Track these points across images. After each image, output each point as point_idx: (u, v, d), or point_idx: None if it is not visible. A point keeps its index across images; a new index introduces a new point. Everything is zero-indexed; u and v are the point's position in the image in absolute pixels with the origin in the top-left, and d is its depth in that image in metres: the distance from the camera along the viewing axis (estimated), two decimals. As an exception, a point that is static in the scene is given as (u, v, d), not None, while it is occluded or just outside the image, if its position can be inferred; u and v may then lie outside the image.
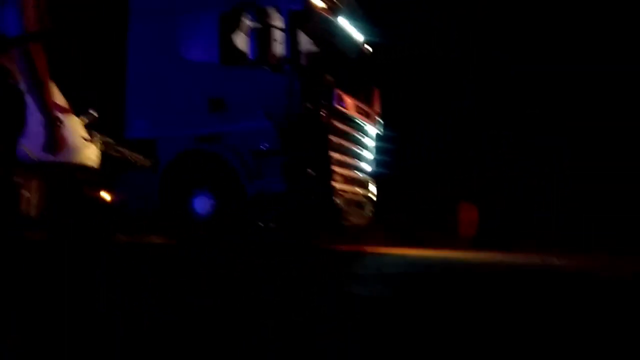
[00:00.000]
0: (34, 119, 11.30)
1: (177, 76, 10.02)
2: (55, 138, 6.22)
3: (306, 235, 10.01)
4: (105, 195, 10.38)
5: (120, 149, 10.93)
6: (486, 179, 15.70)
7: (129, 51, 10.36)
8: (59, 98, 11.93)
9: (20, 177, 10.81)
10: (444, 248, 12.41)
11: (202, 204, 9.62)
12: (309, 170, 9.12)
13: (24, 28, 8.42)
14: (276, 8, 9.34)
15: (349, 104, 9.89)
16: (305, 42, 9.53)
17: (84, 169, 11.28)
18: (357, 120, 10.35)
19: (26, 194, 10.91)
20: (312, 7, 9.40)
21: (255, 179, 9.33)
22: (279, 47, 9.32)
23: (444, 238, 15.50)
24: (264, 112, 9.21)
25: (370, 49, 11.36)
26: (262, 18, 9.26)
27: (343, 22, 10.34)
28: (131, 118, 10.27)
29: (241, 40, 9.59)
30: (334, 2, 9.89)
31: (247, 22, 9.47)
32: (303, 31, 9.40)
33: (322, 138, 9.28)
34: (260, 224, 9.42)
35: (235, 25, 9.67)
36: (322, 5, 9.51)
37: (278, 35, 9.30)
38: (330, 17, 9.89)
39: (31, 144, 11.16)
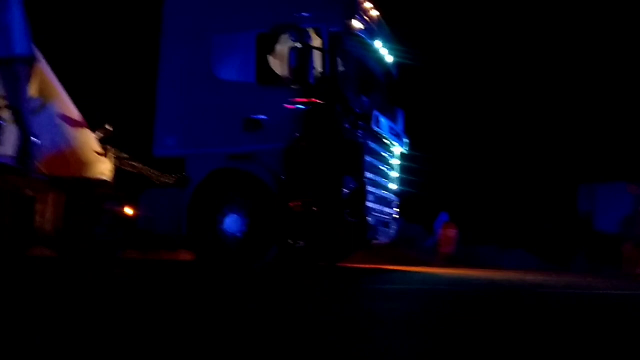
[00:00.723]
0: (47, 135, 11.26)
1: (210, 95, 9.97)
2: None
3: (336, 254, 9.97)
4: (129, 211, 10.27)
5: (136, 164, 10.89)
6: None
7: (160, 69, 10.29)
8: (72, 112, 11.92)
9: (34, 191, 10.69)
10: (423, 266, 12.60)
11: (233, 223, 9.54)
12: (344, 190, 9.13)
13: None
14: (316, 30, 9.37)
15: (383, 125, 9.95)
16: (343, 64, 9.54)
17: (101, 183, 11.23)
18: (388, 141, 10.41)
19: (40, 208, 10.78)
20: (351, 29, 9.46)
21: (288, 197, 9.27)
22: (318, 68, 9.34)
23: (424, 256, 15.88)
24: (301, 132, 9.17)
25: (397, 70, 11.47)
26: (301, 39, 9.26)
27: (377, 43, 10.42)
28: (161, 135, 10.18)
29: (279, 61, 9.60)
30: (370, 24, 9.97)
31: (286, 43, 9.47)
32: (342, 53, 9.42)
33: (359, 159, 9.31)
34: (290, 242, 9.40)
35: (274, 46, 9.68)
36: (360, 26, 9.57)
37: (317, 57, 9.32)
38: (367, 39, 9.95)
39: (44, 159, 11.11)
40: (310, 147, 9.15)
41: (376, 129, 9.64)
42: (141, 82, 10.74)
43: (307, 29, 9.34)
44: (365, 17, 9.91)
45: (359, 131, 9.37)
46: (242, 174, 9.65)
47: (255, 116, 9.57)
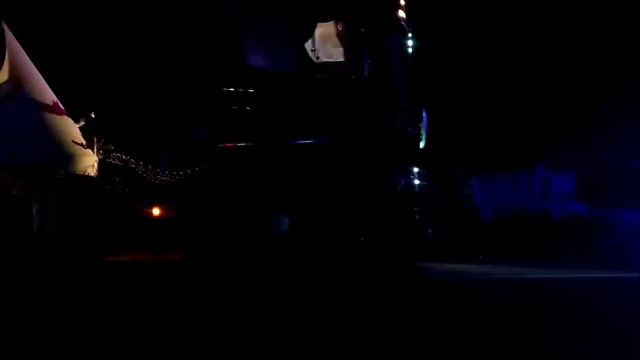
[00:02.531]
0: (21, 124, 9.95)
1: (245, 85, 9.33)
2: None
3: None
4: (155, 211, 9.38)
5: (124, 157, 9.98)
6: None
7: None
8: (48, 97, 10.56)
9: (31, 189, 9.47)
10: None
11: (277, 219, 9.04)
12: (399, 185, 8.99)
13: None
14: (363, 22, 9.05)
15: (425, 120, 9.88)
16: (393, 56, 9.31)
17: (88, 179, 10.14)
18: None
19: (37, 207, 9.57)
20: (399, 19, 9.25)
21: (340, 193, 8.95)
22: (365, 61, 9.05)
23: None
24: (358, 126, 8.85)
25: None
26: (355, 29, 8.91)
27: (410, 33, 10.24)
28: (190, 128, 9.40)
29: (323, 52, 9.17)
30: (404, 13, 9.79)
31: (331, 31, 9.07)
32: (392, 43, 9.19)
33: (416, 155, 9.19)
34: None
35: (317, 36, 9.24)
36: (403, 16, 9.37)
37: (364, 50, 9.02)
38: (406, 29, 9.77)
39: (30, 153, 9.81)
40: (371, 142, 8.83)
41: (422, 124, 9.52)
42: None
43: (353, 21, 8.94)
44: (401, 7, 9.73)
45: (409, 126, 9.19)
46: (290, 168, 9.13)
47: (291, 108, 9.06)
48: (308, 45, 9.14)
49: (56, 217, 9.40)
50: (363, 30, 8.87)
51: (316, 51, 9.16)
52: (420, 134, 9.60)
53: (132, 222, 9.35)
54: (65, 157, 10.26)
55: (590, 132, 18.98)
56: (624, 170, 19.31)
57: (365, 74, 8.85)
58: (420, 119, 9.26)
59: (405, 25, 9.30)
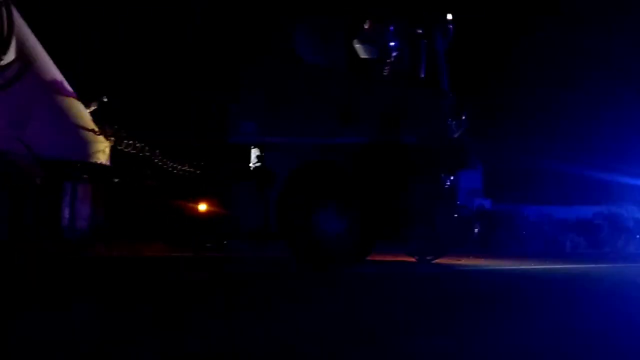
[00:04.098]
0: (41, 111, 9.34)
1: (297, 80, 9.23)
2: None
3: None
4: (202, 207, 9.05)
5: (137, 145, 9.64)
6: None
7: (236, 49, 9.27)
8: (57, 79, 9.94)
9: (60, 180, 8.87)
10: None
11: (331, 220, 9.01)
12: (449, 187, 9.27)
13: None
14: (416, 22, 9.26)
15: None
16: (444, 56, 9.55)
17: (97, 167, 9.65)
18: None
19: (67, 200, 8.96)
20: (447, 25, 9.54)
21: (390, 194, 9.08)
22: (421, 62, 9.27)
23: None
24: (408, 127, 9.03)
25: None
26: (409, 31, 9.12)
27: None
28: (238, 121, 9.13)
29: (380, 51, 9.27)
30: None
31: (384, 33, 9.21)
32: (441, 49, 9.47)
33: (465, 157, 9.48)
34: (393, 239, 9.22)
35: (369, 34, 9.32)
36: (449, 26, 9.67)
37: (421, 52, 9.25)
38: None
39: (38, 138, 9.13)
40: (422, 143, 9.01)
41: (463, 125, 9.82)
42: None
43: (408, 22, 9.13)
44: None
45: (456, 127, 9.49)
46: (339, 168, 9.11)
47: (350, 106, 9.09)
48: (363, 45, 9.18)
49: (90, 212, 8.80)
50: (420, 31, 9.04)
51: (370, 51, 9.22)
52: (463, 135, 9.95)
53: (177, 218, 8.95)
54: (75, 143, 9.65)
55: (497, 133, 20.43)
56: (528, 168, 20.93)
57: (422, 75, 9.04)
58: (462, 120, 9.63)
59: (451, 27, 9.60)
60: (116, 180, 9.04)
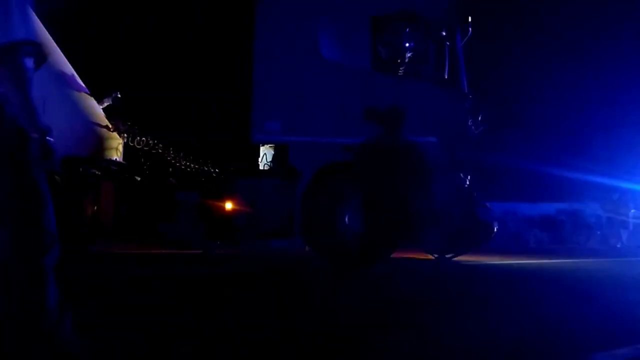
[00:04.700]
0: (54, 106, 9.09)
1: (321, 79, 9.24)
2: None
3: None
4: (228, 205, 8.99)
5: (150, 142, 9.56)
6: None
7: (256, 47, 9.18)
8: (68, 72, 9.71)
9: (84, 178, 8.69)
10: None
11: (355, 219, 9.05)
12: (468, 187, 9.45)
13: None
14: (441, 22, 9.39)
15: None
16: (464, 62, 9.71)
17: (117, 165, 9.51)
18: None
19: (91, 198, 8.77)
20: (467, 26, 9.70)
21: (412, 194, 9.18)
22: (443, 63, 9.41)
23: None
24: (433, 126, 9.16)
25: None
26: (424, 32, 9.24)
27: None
28: (262, 119, 9.09)
29: (403, 51, 9.37)
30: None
31: (408, 31, 9.31)
32: (462, 51, 9.63)
33: (478, 156, 9.66)
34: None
35: (396, 33, 9.40)
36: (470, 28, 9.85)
37: (444, 53, 9.40)
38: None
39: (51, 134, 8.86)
40: (443, 143, 9.14)
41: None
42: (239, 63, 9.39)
43: (433, 20, 9.22)
44: None
45: (473, 127, 9.67)
46: (361, 167, 9.15)
47: (378, 106, 9.14)
48: (386, 45, 9.25)
49: (113, 210, 8.63)
50: (444, 33, 9.17)
51: (393, 51, 9.30)
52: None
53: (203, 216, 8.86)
54: (88, 139, 9.45)
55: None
56: (491, 165, 21.38)
57: (445, 76, 9.18)
58: (480, 121, 9.81)
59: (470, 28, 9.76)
60: (137, 178, 8.85)
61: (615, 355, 3.65)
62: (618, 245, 19.97)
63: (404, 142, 9.00)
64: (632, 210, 20.95)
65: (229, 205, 8.82)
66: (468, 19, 9.44)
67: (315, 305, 5.42)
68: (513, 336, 4.10)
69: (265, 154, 9.36)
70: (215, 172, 9.49)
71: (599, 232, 21.78)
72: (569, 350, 3.78)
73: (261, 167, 9.40)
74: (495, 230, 9.66)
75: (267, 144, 9.29)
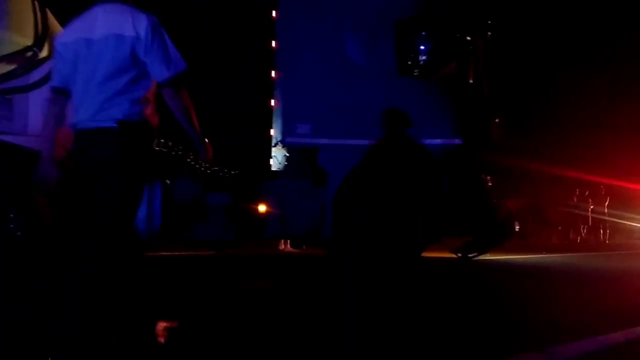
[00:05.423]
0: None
1: (348, 82, 9.42)
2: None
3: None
4: (259, 207, 9.11)
5: (169, 143, 9.64)
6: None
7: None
8: None
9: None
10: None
11: (382, 221, 9.21)
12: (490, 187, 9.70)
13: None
14: (469, 30, 9.65)
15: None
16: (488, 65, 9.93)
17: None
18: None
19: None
20: (488, 31, 9.95)
21: (438, 195, 9.38)
22: (471, 68, 9.65)
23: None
24: (458, 129, 9.39)
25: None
26: (448, 34, 9.48)
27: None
28: (292, 122, 9.24)
29: (427, 55, 9.59)
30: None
31: (431, 35, 9.53)
32: (486, 55, 9.86)
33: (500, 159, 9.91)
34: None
35: (419, 36, 9.61)
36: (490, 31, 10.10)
37: (469, 57, 9.63)
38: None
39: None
40: (466, 145, 9.37)
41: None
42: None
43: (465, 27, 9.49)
44: None
45: (496, 130, 9.92)
46: (388, 169, 9.33)
47: (397, 107, 9.34)
48: (411, 49, 9.45)
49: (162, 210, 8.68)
50: (469, 38, 9.41)
51: (416, 55, 9.51)
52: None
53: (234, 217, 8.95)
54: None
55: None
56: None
57: (471, 80, 9.41)
58: (500, 123, 10.05)
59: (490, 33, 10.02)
60: (167, 181, 8.89)
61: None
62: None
63: (429, 145, 9.22)
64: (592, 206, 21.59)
65: (260, 207, 8.90)
66: (488, 22, 9.68)
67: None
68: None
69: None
70: (246, 174, 9.58)
71: (560, 228, 22.47)
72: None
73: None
74: (516, 229, 9.90)
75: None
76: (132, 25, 3.39)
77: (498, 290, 6.83)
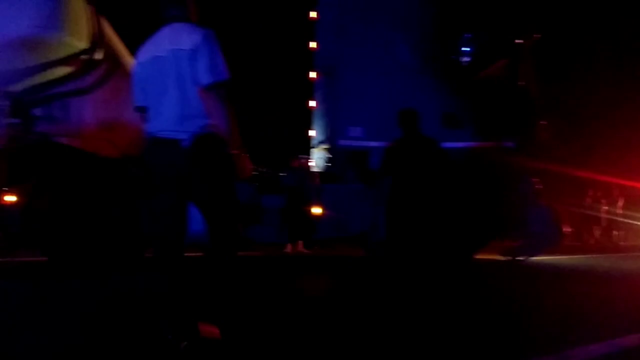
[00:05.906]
0: (130, 120, 9.16)
1: (399, 86, 9.46)
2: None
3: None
4: (317, 210, 9.13)
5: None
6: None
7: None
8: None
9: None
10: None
11: (436, 223, 9.23)
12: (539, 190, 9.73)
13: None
14: (518, 33, 9.68)
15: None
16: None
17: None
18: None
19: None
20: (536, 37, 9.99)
21: (493, 198, 9.40)
22: (521, 71, 9.68)
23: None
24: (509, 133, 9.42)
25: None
26: (502, 41, 9.52)
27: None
28: (344, 125, 9.26)
29: (479, 61, 9.63)
30: None
31: (482, 41, 9.58)
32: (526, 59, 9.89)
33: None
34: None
35: (470, 42, 9.66)
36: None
37: (518, 60, 9.67)
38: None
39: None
40: (518, 147, 9.42)
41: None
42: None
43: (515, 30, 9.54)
44: None
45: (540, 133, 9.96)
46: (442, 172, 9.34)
47: (453, 111, 9.38)
48: (463, 55, 9.50)
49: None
50: (520, 41, 9.44)
51: (469, 61, 9.55)
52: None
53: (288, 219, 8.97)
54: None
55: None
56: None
57: (521, 83, 9.45)
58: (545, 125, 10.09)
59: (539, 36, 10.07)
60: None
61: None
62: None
63: (484, 148, 9.26)
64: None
65: (314, 210, 8.93)
66: (537, 29, 9.73)
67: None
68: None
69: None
70: (290, 176, 9.61)
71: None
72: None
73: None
74: (564, 233, 9.94)
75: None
76: (190, 39, 3.70)
77: (512, 292, 6.83)
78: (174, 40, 3.77)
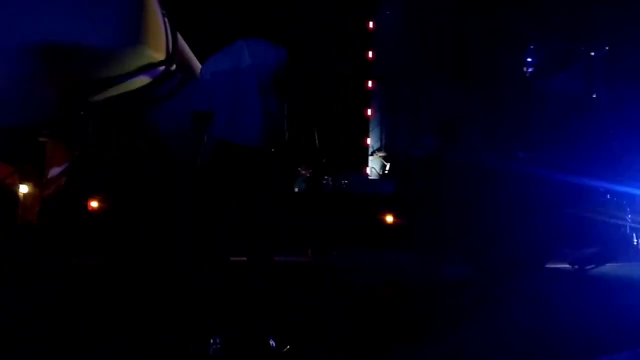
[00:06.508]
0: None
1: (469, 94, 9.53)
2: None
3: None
4: (387, 218, 9.17)
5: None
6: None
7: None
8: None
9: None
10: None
11: (509, 231, 9.30)
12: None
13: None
14: (591, 44, 9.70)
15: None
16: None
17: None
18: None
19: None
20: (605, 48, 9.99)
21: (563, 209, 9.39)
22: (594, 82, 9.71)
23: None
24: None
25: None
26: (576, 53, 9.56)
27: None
28: (417, 135, 9.37)
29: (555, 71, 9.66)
30: None
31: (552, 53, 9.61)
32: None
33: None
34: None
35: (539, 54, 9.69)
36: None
37: (593, 72, 9.68)
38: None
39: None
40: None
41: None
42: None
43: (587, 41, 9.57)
44: None
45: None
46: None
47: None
48: (533, 67, 9.55)
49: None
50: (593, 53, 9.47)
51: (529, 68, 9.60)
52: None
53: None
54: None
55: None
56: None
57: (595, 95, 9.49)
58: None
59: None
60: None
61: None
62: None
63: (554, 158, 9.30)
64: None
65: (388, 218, 9.00)
66: (605, 43, 9.78)
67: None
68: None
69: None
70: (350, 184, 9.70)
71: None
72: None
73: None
74: (635, 243, 9.96)
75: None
76: (276, 56, 3.99)
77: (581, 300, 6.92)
78: (257, 55, 4.01)
